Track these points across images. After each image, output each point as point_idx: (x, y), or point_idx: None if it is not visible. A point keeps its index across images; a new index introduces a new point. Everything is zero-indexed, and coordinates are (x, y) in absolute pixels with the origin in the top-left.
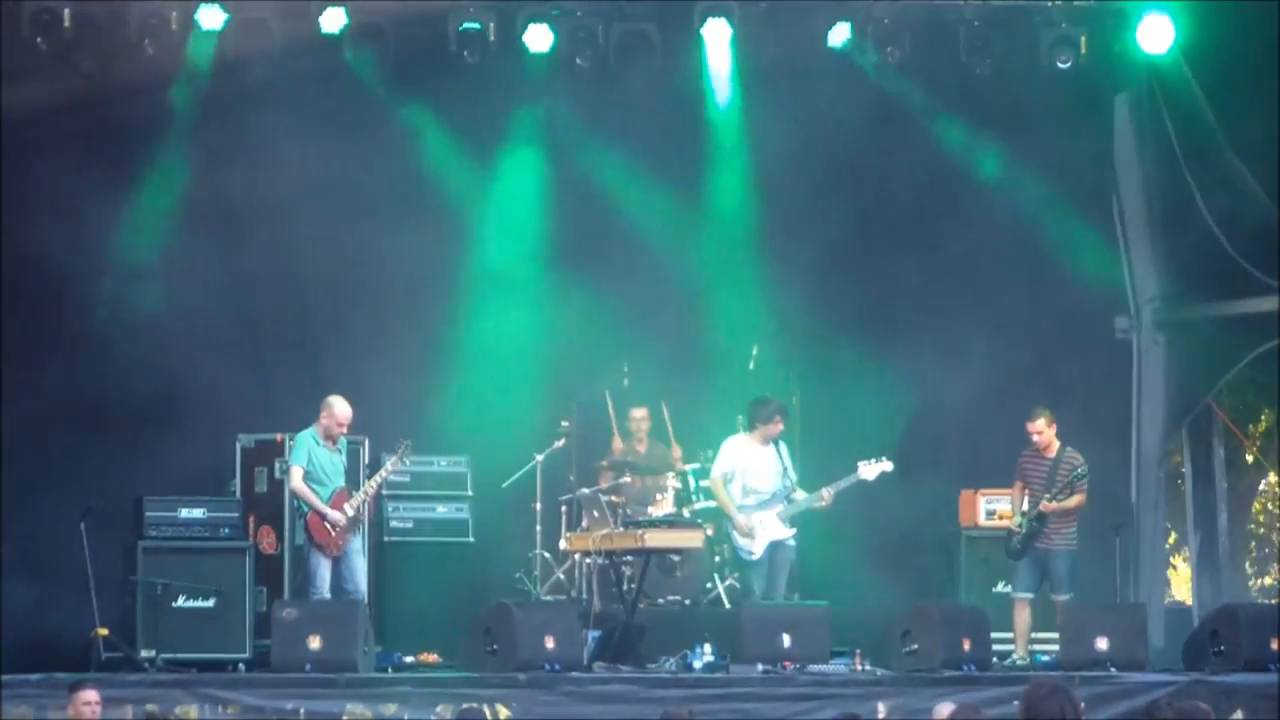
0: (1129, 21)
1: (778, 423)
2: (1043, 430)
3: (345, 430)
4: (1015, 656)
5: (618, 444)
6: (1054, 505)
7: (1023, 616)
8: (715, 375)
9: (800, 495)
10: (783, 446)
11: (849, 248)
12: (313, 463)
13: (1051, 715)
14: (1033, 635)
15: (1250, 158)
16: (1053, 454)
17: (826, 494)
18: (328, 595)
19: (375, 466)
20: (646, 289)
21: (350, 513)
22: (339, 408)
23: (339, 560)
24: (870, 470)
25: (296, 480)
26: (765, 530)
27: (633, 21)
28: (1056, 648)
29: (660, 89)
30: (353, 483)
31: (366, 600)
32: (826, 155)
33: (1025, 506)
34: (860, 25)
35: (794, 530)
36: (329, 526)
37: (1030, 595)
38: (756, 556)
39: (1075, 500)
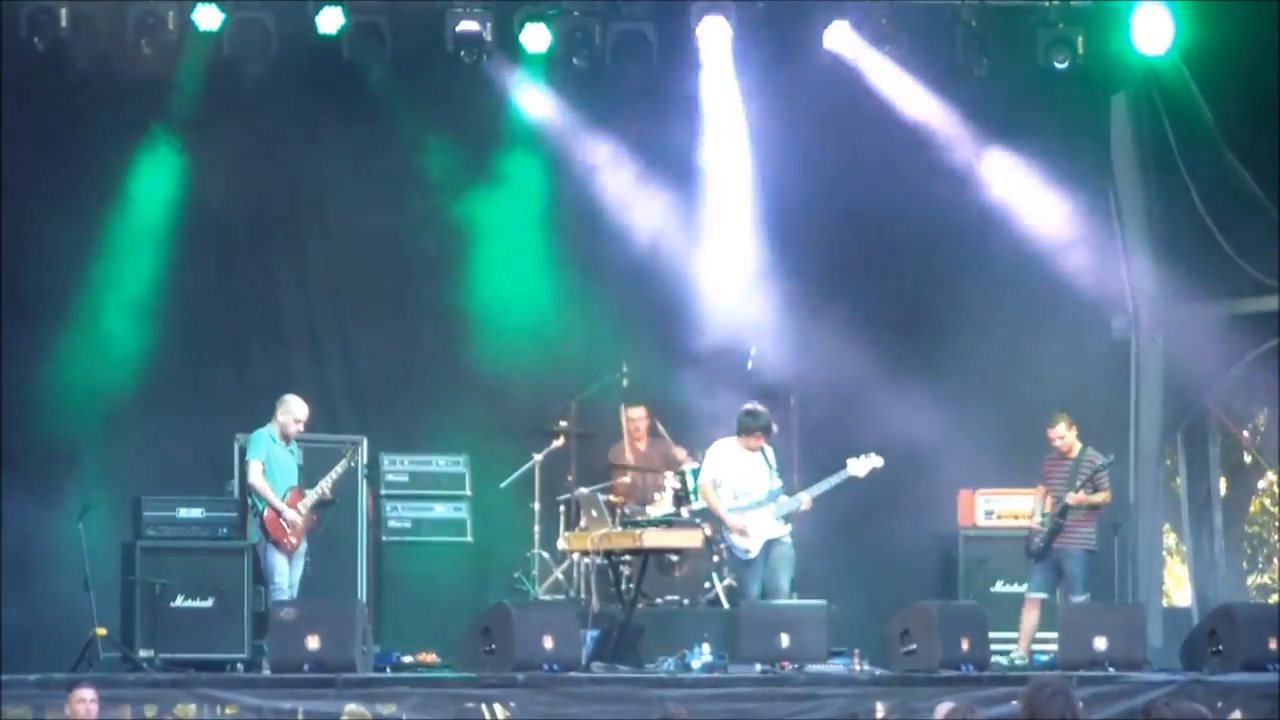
0: (1126, 22)
1: (758, 438)
2: (1063, 434)
3: (302, 428)
4: (1015, 655)
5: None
6: (1080, 498)
7: (1031, 617)
8: (713, 375)
9: (785, 499)
10: (768, 450)
11: (847, 247)
12: (270, 460)
13: (1050, 715)
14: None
15: (1248, 157)
16: (1074, 456)
17: (805, 499)
18: (288, 593)
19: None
20: (644, 288)
21: (303, 512)
22: (296, 406)
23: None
24: (860, 466)
25: (256, 475)
26: (759, 529)
27: (629, 21)
28: (1056, 647)
29: (657, 88)
30: (307, 482)
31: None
32: (824, 154)
33: (1048, 508)
34: (857, 24)
35: (789, 528)
36: (285, 525)
37: (1044, 596)
38: (753, 555)
39: (1101, 497)
